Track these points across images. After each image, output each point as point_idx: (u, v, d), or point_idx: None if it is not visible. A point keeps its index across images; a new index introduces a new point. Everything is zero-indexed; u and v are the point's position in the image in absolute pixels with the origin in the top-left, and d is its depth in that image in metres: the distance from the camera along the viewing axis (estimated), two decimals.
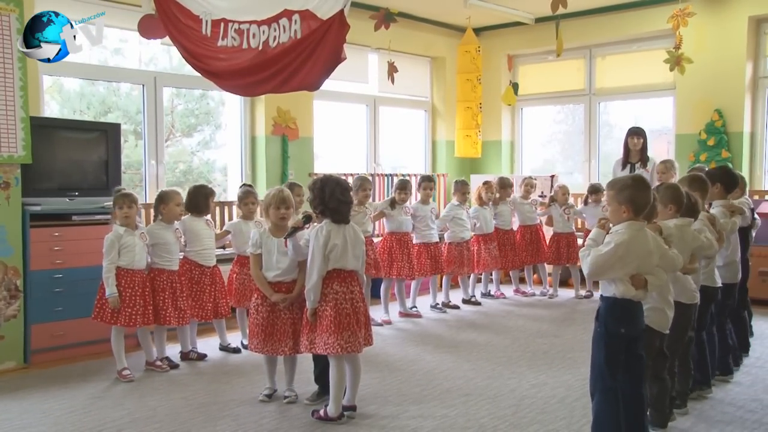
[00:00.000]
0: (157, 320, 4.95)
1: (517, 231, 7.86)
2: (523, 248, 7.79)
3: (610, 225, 3.27)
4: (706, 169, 5.42)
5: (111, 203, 4.99)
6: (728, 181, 4.68)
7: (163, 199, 5.08)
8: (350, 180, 6.25)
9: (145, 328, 4.95)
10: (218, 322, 5.48)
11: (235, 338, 5.64)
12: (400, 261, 6.60)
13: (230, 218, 6.95)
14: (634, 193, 3.17)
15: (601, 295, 3.27)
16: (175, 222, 5.15)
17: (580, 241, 7.56)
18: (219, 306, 5.32)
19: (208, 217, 5.47)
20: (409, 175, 8.07)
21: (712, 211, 4.45)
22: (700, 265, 3.96)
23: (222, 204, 7.02)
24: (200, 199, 5.28)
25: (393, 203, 6.66)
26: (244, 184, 5.82)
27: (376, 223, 6.78)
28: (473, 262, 7.34)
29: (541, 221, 7.95)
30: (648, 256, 3.20)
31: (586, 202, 7.71)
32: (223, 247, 6.16)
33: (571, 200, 7.96)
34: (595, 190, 7.55)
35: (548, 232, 7.96)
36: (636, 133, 7.17)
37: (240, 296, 5.37)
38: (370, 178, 7.06)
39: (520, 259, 7.81)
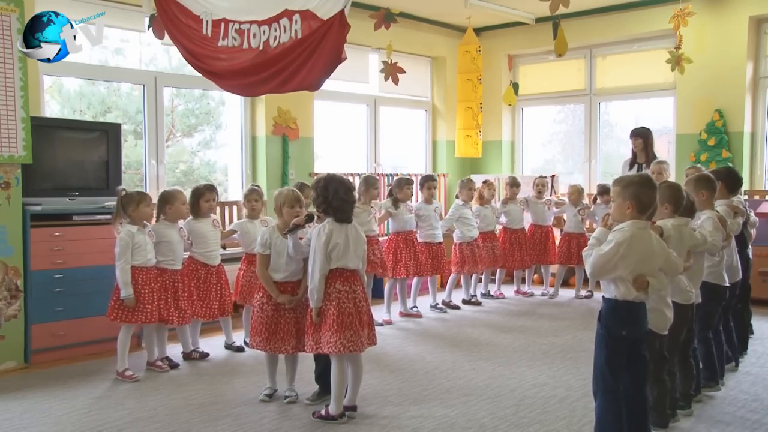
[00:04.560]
0: (160, 319, 4.95)
1: (528, 229, 7.85)
2: (531, 248, 7.79)
3: (612, 222, 3.24)
4: (703, 168, 5.41)
5: (114, 203, 4.97)
6: (731, 181, 4.65)
7: (168, 199, 5.08)
8: (350, 180, 6.23)
9: (151, 327, 4.96)
10: (224, 320, 5.50)
11: (239, 337, 5.63)
12: (407, 260, 6.60)
13: (231, 218, 6.97)
14: (640, 190, 3.15)
15: (603, 297, 3.25)
16: (180, 221, 5.16)
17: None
18: (225, 304, 5.35)
19: (216, 217, 5.48)
20: (410, 174, 8.07)
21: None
22: (691, 262, 3.84)
23: (223, 204, 7.01)
24: (192, 200, 5.26)
25: (396, 202, 6.65)
26: (252, 185, 5.81)
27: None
28: (482, 260, 7.35)
29: (552, 224, 7.95)
30: (651, 256, 3.18)
31: (594, 201, 7.71)
32: (224, 247, 6.16)
33: (586, 201, 7.92)
34: (604, 191, 7.47)
35: (557, 233, 7.97)
36: (635, 134, 7.17)
37: (246, 294, 5.39)
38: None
39: (529, 258, 7.80)
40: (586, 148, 9.17)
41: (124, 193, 4.88)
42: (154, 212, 5.14)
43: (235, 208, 7.04)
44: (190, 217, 5.29)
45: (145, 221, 4.92)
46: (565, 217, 7.92)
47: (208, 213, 5.35)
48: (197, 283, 5.24)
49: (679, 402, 3.86)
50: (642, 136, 7.13)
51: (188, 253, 5.28)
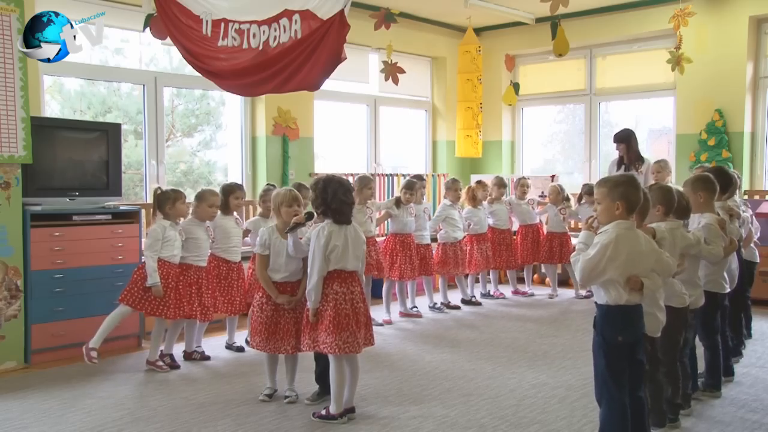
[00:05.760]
0: (183, 315, 4.98)
1: (518, 231, 7.85)
2: (522, 248, 7.79)
3: (598, 224, 3.18)
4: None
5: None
6: (722, 180, 4.50)
7: (199, 197, 5.13)
8: (351, 180, 6.21)
9: (164, 322, 4.99)
10: (231, 320, 5.52)
11: (242, 337, 5.62)
12: (402, 262, 6.58)
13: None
14: (628, 190, 3.10)
15: (595, 303, 3.19)
16: (207, 221, 5.23)
17: (574, 241, 7.54)
18: (241, 301, 5.38)
19: (238, 216, 5.53)
20: (408, 175, 8.09)
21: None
22: (683, 267, 3.80)
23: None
24: (222, 197, 5.33)
25: (398, 203, 6.63)
26: (268, 184, 5.84)
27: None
28: (466, 262, 7.32)
29: (541, 220, 7.95)
30: (640, 256, 3.11)
31: (579, 201, 7.71)
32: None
33: (572, 200, 7.93)
34: (590, 190, 7.49)
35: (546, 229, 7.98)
36: (617, 140, 7.11)
37: (256, 292, 5.39)
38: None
39: (518, 258, 7.79)
40: (586, 148, 9.18)
41: (159, 191, 5.00)
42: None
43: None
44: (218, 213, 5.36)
45: (179, 218, 5.02)
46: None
47: (235, 211, 5.44)
48: (219, 279, 5.28)
49: (677, 402, 3.84)
50: (624, 141, 7.06)
51: (210, 250, 5.33)
